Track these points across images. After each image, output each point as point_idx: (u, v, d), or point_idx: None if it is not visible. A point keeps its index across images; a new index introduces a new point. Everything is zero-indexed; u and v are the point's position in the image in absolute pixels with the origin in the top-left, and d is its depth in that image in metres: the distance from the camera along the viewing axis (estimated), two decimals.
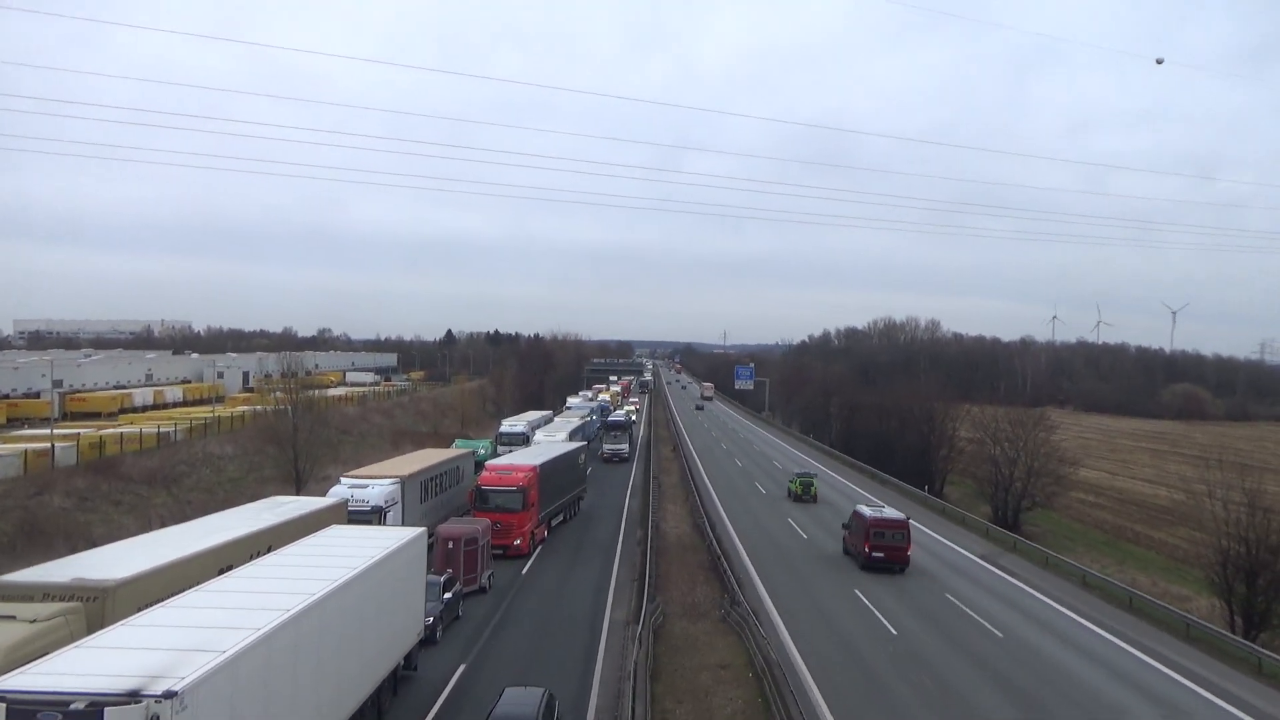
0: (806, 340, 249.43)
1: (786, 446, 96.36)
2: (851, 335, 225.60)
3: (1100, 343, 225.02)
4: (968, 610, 33.04)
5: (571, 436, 65.42)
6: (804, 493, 57.32)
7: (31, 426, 65.66)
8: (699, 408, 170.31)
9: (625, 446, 75.78)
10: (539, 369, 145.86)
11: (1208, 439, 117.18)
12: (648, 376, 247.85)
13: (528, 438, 67.69)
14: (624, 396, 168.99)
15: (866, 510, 39.81)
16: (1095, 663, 27.80)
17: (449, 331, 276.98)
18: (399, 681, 23.02)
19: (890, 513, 39.52)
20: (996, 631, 30.45)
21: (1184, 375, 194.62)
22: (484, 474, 41.13)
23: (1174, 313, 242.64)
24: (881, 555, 37.50)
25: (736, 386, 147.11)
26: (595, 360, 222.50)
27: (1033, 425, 63.03)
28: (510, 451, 54.68)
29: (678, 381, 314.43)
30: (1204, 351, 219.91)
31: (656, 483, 60.74)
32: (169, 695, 12.25)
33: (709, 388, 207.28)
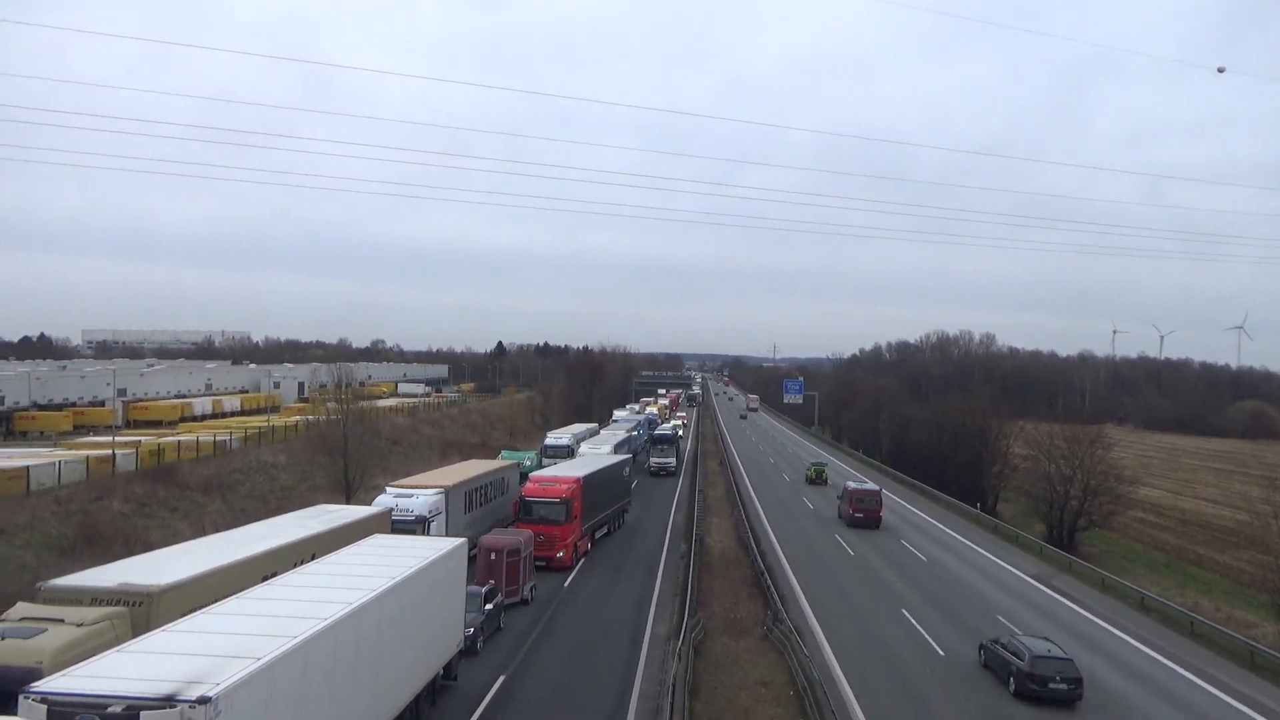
0: (857, 354, 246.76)
1: (835, 462, 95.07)
2: (903, 349, 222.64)
3: (1163, 358, 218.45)
4: (1017, 631, 32.14)
5: (617, 449, 65.39)
6: (816, 477, 73.41)
7: (96, 434, 67.73)
8: (743, 417, 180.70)
9: (672, 460, 75.61)
10: (587, 381, 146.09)
11: (1277, 458, 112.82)
12: (696, 390, 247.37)
13: (572, 450, 67.88)
14: (671, 410, 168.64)
15: (851, 484, 57.15)
16: (1153, 690, 26.75)
17: (499, 343, 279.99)
18: (438, 691, 23.03)
19: (869, 485, 56.69)
20: None
21: (1252, 392, 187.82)
22: (528, 485, 41.23)
23: (1240, 327, 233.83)
24: (861, 516, 53.37)
25: (785, 400, 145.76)
26: (644, 373, 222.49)
27: (1089, 442, 61.30)
28: (555, 464, 54.76)
29: (725, 394, 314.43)
30: (1273, 368, 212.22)
31: (702, 496, 60.44)
32: (203, 701, 12.36)
33: (754, 399, 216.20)
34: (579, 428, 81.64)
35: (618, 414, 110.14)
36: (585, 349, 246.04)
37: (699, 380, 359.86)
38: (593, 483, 43.71)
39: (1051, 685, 24.62)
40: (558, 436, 72.32)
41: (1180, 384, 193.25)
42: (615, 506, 48.75)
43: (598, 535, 45.36)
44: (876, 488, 55.53)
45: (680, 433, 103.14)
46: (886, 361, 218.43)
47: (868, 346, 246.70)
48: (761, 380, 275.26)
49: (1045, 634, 31.57)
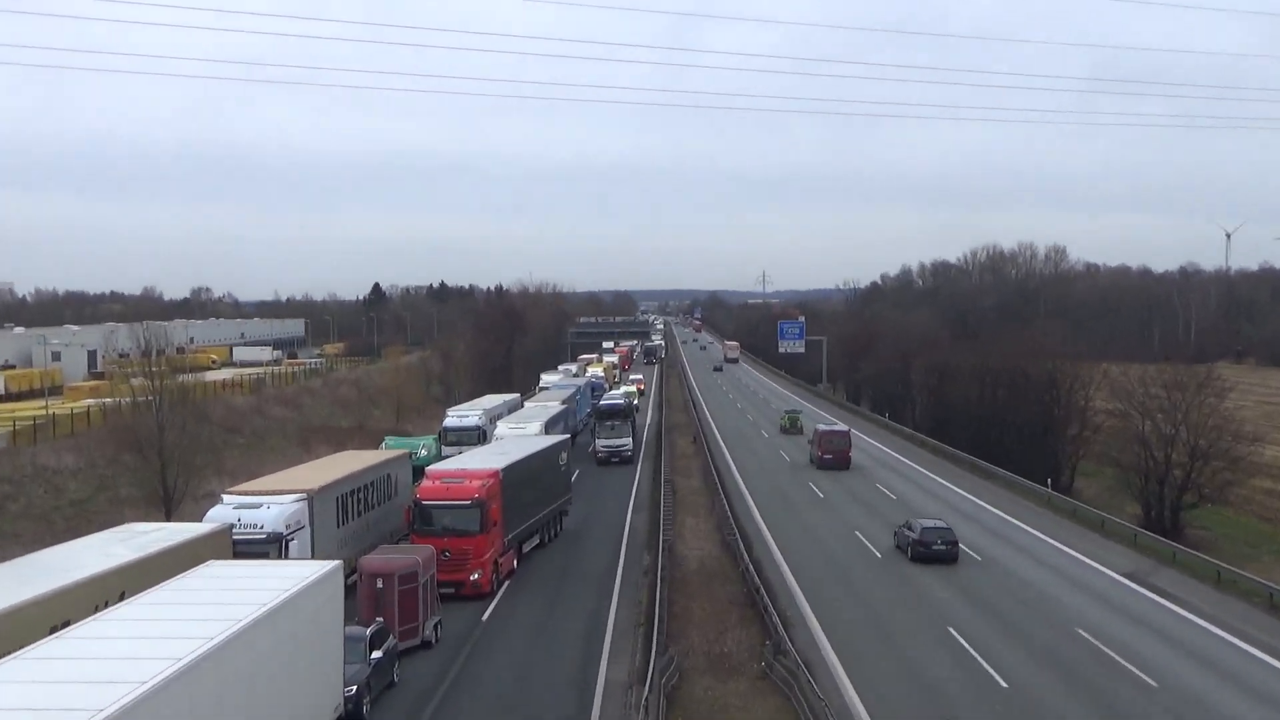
0: (878, 282, 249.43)
1: (864, 438, 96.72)
2: (942, 272, 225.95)
3: None
4: (1106, 649, 33.08)
5: (549, 428, 65.92)
6: (791, 426, 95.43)
7: None
8: (718, 369, 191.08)
9: (626, 441, 76.81)
10: (503, 335, 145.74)
11: None
12: (656, 340, 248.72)
13: (484, 432, 68.32)
14: (623, 369, 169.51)
15: (821, 426, 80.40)
16: None
17: (376, 287, 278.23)
18: None
19: (838, 426, 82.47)
20: (1149, 680, 30.44)
21: None
22: (425, 484, 41.29)
23: None
24: (830, 458, 73.53)
25: (781, 349, 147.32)
26: (583, 320, 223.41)
27: (1196, 388, 62.83)
28: (461, 452, 55.27)
29: (695, 342, 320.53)
30: None
31: (669, 488, 61.10)
32: None
33: (733, 347, 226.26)
34: (493, 400, 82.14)
35: (548, 379, 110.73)
36: (499, 290, 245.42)
37: (660, 326, 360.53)
38: (516, 476, 43.92)
39: (934, 548, 45.30)
40: (463, 414, 73.02)
41: None
42: (550, 507, 49.22)
43: (526, 548, 45.74)
44: (846, 428, 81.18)
45: (636, 402, 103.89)
46: (919, 291, 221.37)
47: (893, 271, 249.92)
48: (747, 323, 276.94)
49: (1144, 653, 32.73)
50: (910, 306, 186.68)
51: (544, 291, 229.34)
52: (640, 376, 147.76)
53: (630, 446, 77.05)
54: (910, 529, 46.68)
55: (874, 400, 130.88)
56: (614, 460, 75.61)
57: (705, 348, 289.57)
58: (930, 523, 46.90)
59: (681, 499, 60.12)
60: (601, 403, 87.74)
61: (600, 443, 76.47)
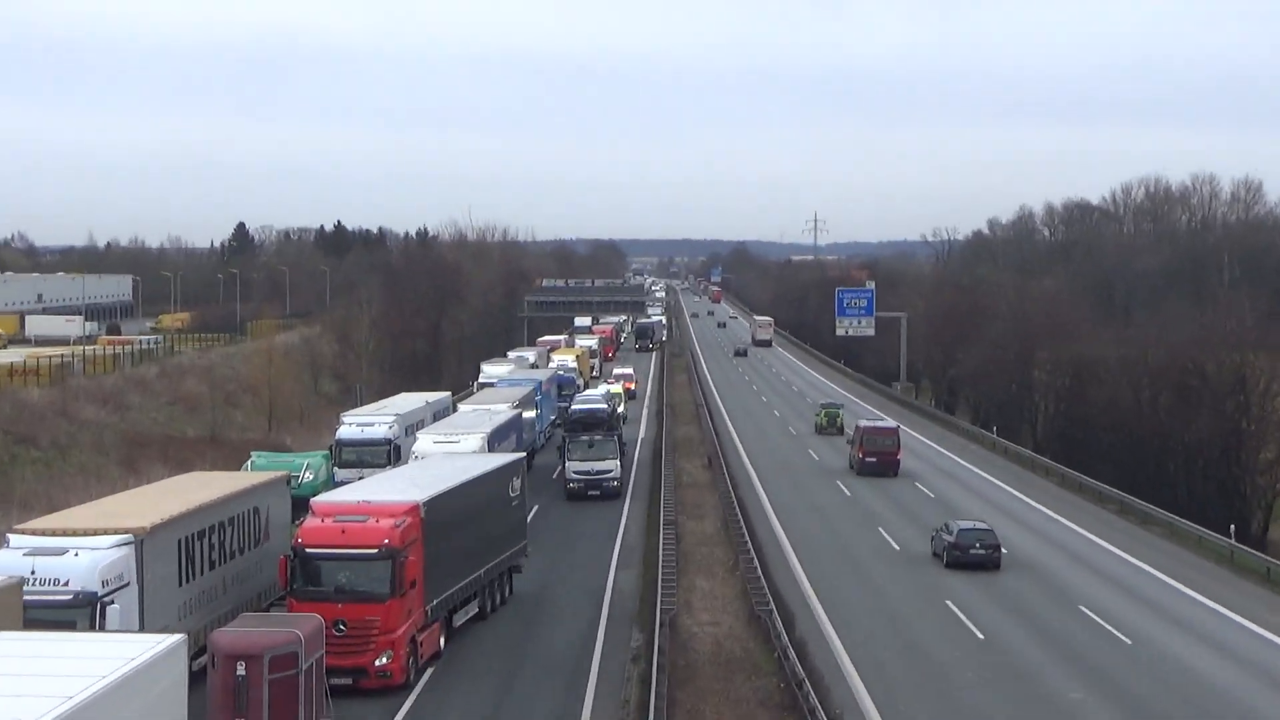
0: (985, 232, 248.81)
1: (957, 463, 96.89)
2: (1079, 218, 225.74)
3: None
4: None
5: (494, 443, 66.16)
6: (828, 424, 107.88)
7: None
8: (740, 353, 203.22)
9: (610, 466, 77.02)
10: (429, 304, 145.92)
11: None
12: (655, 314, 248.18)
13: (397, 448, 68.74)
14: (605, 358, 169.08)
15: (863, 422, 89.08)
16: None
17: (240, 229, 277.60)
18: None
19: (884, 422, 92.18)
20: None
21: None
22: (311, 523, 41.16)
23: None
24: (874, 460, 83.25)
25: (841, 330, 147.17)
26: (546, 285, 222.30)
27: None
28: (363, 476, 55.16)
29: (712, 316, 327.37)
30: None
31: (672, 533, 61.39)
32: None
33: (765, 324, 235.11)
34: (411, 402, 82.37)
35: (492, 371, 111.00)
36: (422, 235, 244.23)
37: (660, 294, 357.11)
38: (446, 513, 43.92)
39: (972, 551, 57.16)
40: (367, 422, 73.22)
41: None
42: (494, 560, 49.35)
43: (459, 619, 45.88)
44: (895, 424, 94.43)
45: (623, 409, 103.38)
46: (1045, 246, 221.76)
47: (1006, 215, 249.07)
48: (790, 289, 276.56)
49: None
50: (1032, 269, 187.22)
51: (490, 239, 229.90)
52: (630, 371, 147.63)
53: (616, 473, 77.07)
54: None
55: (976, 408, 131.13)
56: (592, 493, 75.51)
57: (725, 324, 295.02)
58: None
59: (689, 551, 60.25)
60: (574, 408, 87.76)
61: (572, 467, 76.38)
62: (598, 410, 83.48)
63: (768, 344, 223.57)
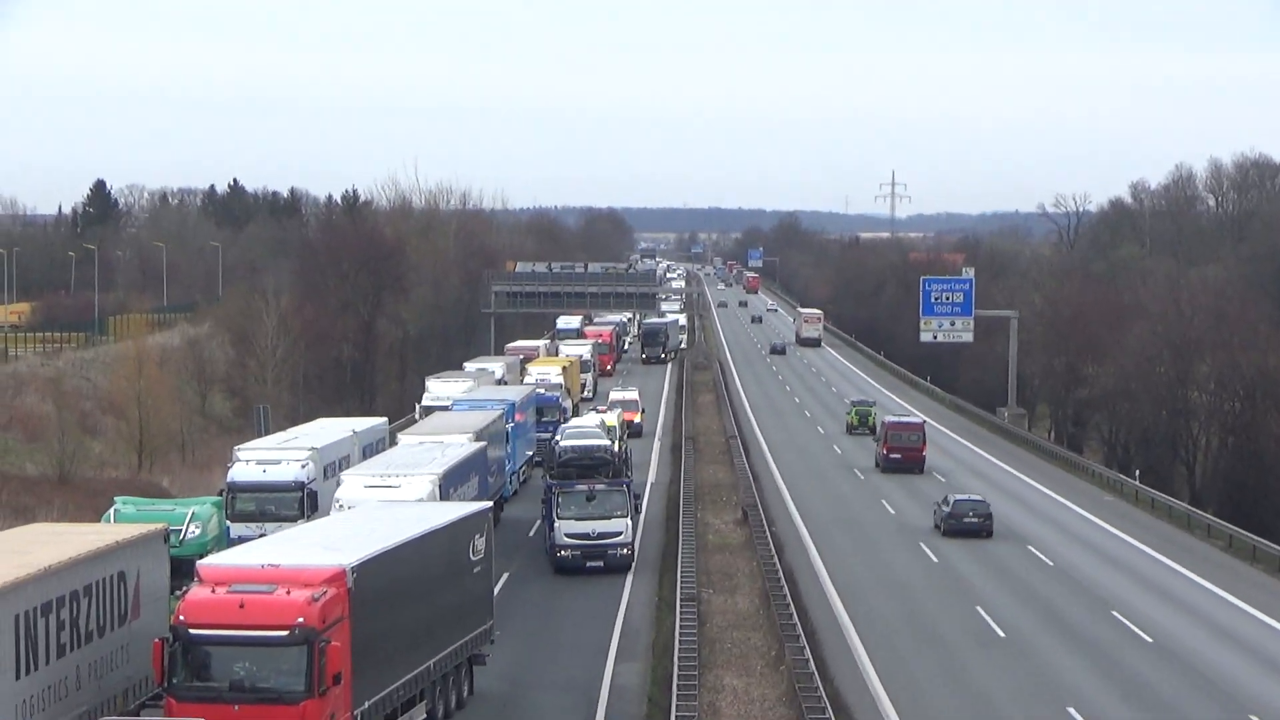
0: (1124, 201, 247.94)
1: (1086, 520, 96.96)
2: (1254, 181, 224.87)
3: None
4: None
5: (446, 488, 66.06)
6: (860, 423, 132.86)
7: None
8: (776, 351, 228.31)
9: (618, 527, 74.91)
10: (360, 293, 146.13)
11: None
12: (671, 311, 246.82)
13: (313, 494, 68.52)
14: (602, 371, 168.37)
15: (890, 418, 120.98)
16: None
17: (100, 187, 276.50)
18: None
19: (911, 418, 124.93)
20: None
21: None
22: (198, 594, 41.01)
23: None
24: (899, 457, 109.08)
25: (927, 336, 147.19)
26: (523, 269, 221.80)
27: None
28: (265, 533, 55.94)
29: (745, 307, 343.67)
30: None
31: (692, 611, 61.39)
32: None
33: (814, 318, 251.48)
34: (332, 431, 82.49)
35: (440, 390, 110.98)
36: (349, 200, 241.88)
37: (678, 283, 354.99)
38: (383, 583, 43.95)
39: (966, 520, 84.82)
40: (273, 458, 72.63)
41: None
42: (448, 647, 49.31)
43: None
44: (920, 419, 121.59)
45: (621, 442, 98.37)
46: (1209, 219, 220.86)
47: (1155, 178, 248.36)
48: (853, 278, 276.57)
49: None
50: (1192, 252, 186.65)
51: (444, 205, 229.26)
52: (634, 395, 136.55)
53: (626, 537, 75.24)
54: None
55: (1111, 443, 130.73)
56: (592, 565, 73.78)
57: (761, 319, 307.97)
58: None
59: (716, 637, 60.30)
60: (562, 443, 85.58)
61: (564, 529, 74.34)
62: (595, 447, 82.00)
63: (816, 343, 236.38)
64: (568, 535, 74.22)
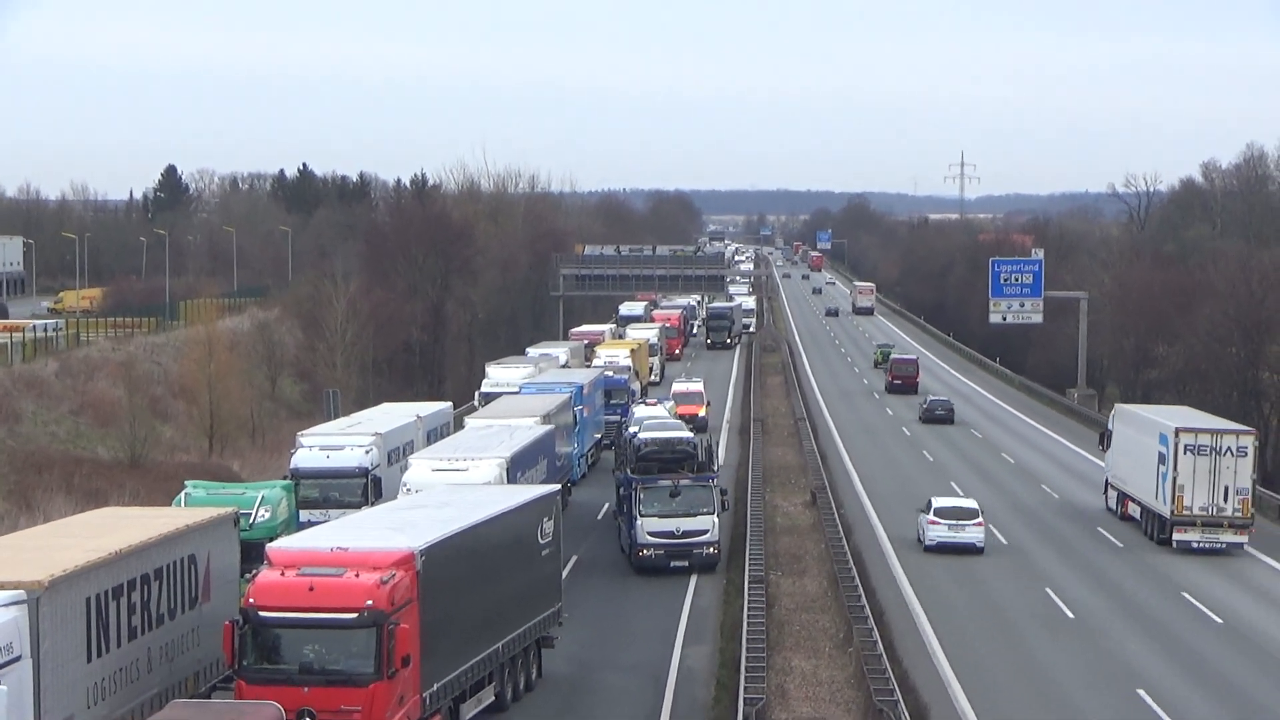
0: (1197, 181, 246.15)
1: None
2: None
3: None
4: None
5: (514, 471, 65.70)
6: (883, 360, 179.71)
7: None
8: (831, 313, 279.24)
9: (705, 525, 70.99)
10: (429, 277, 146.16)
11: None
12: (740, 294, 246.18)
13: (376, 479, 68.40)
14: (670, 355, 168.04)
15: (895, 355, 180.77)
16: None
17: (170, 173, 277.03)
18: None
19: (908, 356, 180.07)
20: None
21: None
22: (267, 577, 41.03)
23: None
24: (900, 383, 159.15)
25: (996, 318, 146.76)
26: (591, 252, 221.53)
27: None
28: (329, 517, 56.03)
29: (807, 280, 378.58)
30: None
31: (760, 593, 61.39)
32: None
33: (866, 290, 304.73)
34: (394, 417, 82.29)
35: (499, 376, 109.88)
36: (418, 184, 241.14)
37: (747, 266, 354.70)
38: (451, 566, 43.97)
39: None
40: (336, 444, 72.27)
41: None
42: (516, 630, 49.32)
43: (468, 712, 45.90)
44: (914, 356, 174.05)
45: (696, 427, 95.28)
46: None
47: (1226, 157, 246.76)
48: (922, 259, 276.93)
49: None
50: (1265, 232, 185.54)
51: (513, 189, 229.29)
52: (698, 387, 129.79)
53: (713, 535, 71.90)
54: None
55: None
56: (676, 565, 70.62)
57: (820, 290, 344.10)
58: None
59: (784, 619, 60.23)
60: (641, 435, 79.87)
61: (646, 526, 70.83)
62: (678, 440, 77.10)
63: (869, 311, 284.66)
64: (650, 534, 71.00)
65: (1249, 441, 79.67)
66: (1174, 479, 76.91)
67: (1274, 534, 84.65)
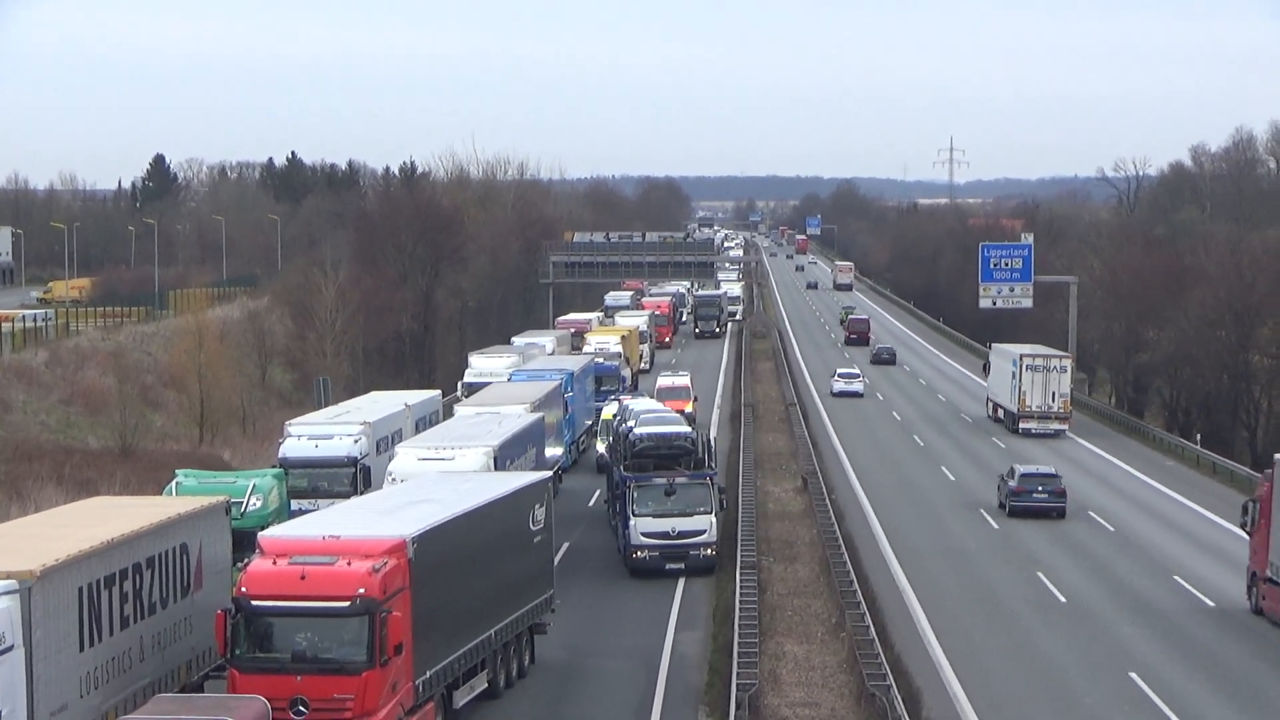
0: (1186, 165, 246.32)
1: (1153, 490, 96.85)
2: None
3: None
4: None
5: (503, 459, 65.65)
6: (846, 318, 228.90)
7: None
8: (811, 285, 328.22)
9: (701, 524, 68.57)
10: (419, 264, 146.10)
11: None
12: (728, 282, 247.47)
13: (365, 468, 68.45)
14: (658, 342, 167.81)
15: (852, 316, 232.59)
16: None
17: (158, 162, 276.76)
18: None
19: (861, 315, 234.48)
20: None
21: None
22: (259, 566, 41.01)
23: None
24: (855, 336, 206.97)
25: (986, 302, 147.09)
26: (580, 239, 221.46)
27: None
28: (318, 506, 56.09)
29: (791, 261, 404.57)
30: None
31: (752, 578, 61.38)
32: None
33: (846, 268, 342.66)
34: (383, 405, 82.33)
35: (482, 365, 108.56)
36: (407, 172, 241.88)
37: (735, 251, 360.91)
38: (442, 554, 44.01)
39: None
40: (325, 433, 72.29)
41: None
42: (508, 617, 49.40)
43: (461, 699, 45.99)
44: (866, 316, 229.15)
45: (685, 421, 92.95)
46: (1271, 181, 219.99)
47: (1215, 141, 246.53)
48: (911, 245, 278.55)
49: None
50: (1253, 215, 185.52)
51: (502, 176, 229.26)
52: (685, 381, 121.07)
53: (710, 535, 69.32)
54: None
55: (1172, 408, 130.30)
56: (671, 567, 68.35)
57: (802, 268, 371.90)
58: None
59: (777, 604, 60.34)
60: (638, 430, 75.04)
61: (641, 526, 68.41)
62: (675, 435, 73.56)
63: (848, 287, 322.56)
64: (644, 534, 68.32)
65: (1068, 363, 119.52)
66: (1020, 388, 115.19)
67: (1088, 425, 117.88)
